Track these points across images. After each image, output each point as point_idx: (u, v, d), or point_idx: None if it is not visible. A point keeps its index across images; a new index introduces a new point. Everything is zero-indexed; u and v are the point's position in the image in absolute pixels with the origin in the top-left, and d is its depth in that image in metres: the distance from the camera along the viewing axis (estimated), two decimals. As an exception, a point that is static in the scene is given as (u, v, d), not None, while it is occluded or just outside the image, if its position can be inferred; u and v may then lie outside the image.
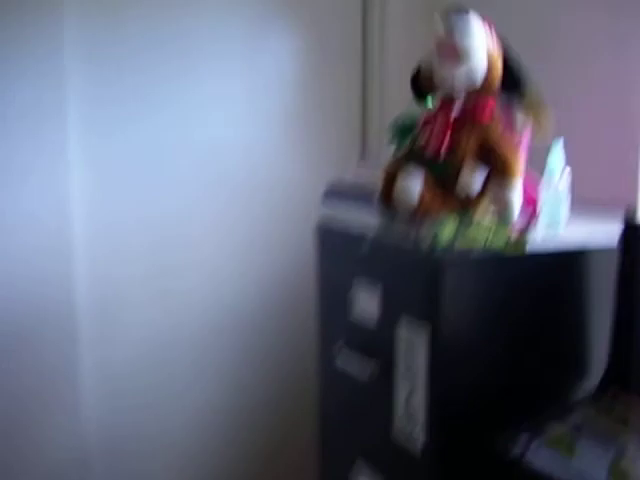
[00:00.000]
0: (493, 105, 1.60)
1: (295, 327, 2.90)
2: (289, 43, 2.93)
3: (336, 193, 1.99)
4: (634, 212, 2.12)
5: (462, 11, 1.55)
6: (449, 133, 1.57)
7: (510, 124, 1.62)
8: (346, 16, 3.03)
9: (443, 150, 1.55)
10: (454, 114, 1.59)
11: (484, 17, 1.61)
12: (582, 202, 2.13)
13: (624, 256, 1.56)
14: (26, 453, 2.46)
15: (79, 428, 2.57)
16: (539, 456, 1.41)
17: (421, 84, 1.65)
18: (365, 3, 3.05)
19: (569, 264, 1.65)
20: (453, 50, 1.53)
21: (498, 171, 1.52)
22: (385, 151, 1.80)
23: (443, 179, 1.54)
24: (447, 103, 1.62)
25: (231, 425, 2.90)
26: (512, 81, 1.59)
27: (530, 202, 1.70)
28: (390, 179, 1.59)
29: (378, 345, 1.76)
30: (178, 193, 2.74)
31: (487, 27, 1.60)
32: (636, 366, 1.55)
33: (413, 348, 1.60)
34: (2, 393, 2.40)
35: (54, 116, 2.49)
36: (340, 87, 3.04)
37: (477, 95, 1.59)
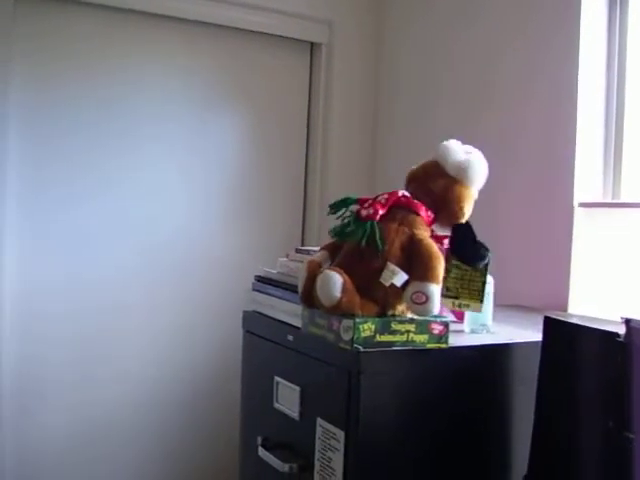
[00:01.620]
0: (432, 219, 1.61)
1: (224, 408, 2.85)
2: (233, 128, 2.97)
3: (266, 281, 1.96)
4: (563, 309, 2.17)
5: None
6: (387, 207, 1.57)
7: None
8: (291, 105, 3.09)
9: (378, 215, 1.55)
10: (400, 194, 1.60)
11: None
12: (511, 304, 2.18)
13: (546, 351, 1.56)
14: None
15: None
16: None
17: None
18: (310, 94, 3.12)
19: (492, 359, 1.64)
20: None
21: (422, 266, 1.51)
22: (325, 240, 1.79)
23: (371, 264, 1.52)
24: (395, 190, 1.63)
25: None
26: (471, 244, 1.61)
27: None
28: (314, 273, 1.57)
29: (298, 440, 1.72)
30: (111, 267, 2.72)
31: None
32: (554, 474, 1.52)
33: (331, 448, 1.56)
34: None
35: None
36: (282, 175, 3.08)
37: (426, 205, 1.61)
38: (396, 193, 1.61)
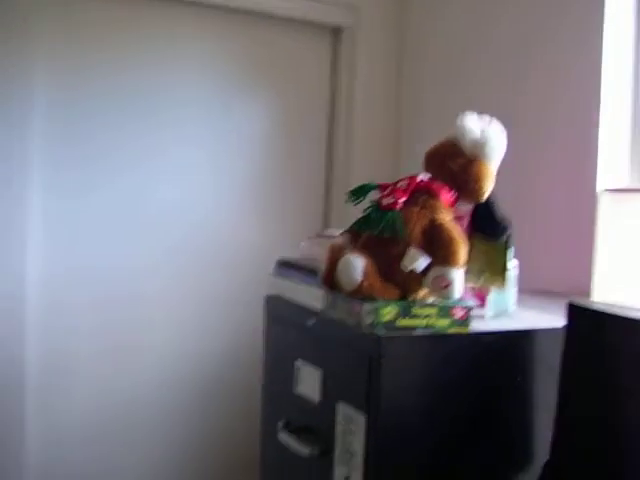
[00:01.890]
0: (454, 199, 1.61)
1: (245, 395, 2.85)
2: (256, 113, 2.96)
3: (287, 265, 1.96)
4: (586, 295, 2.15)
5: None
6: (408, 193, 1.57)
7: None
8: (314, 89, 3.08)
9: (399, 204, 1.54)
10: (420, 181, 1.59)
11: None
12: (535, 289, 2.15)
13: (570, 337, 1.54)
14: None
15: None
16: None
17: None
18: (333, 79, 3.10)
19: (514, 345, 1.63)
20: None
21: (443, 250, 1.50)
22: (340, 228, 1.79)
23: (391, 250, 1.52)
24: (415, 175, 1.63)
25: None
26: (492, 219, 1.61)
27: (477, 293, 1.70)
28: (335, 257, 1.57)
29: (319, 425, 1.72)
30: (136, 256, 2.73)
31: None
32: (577, 460, 1.51)
33: (351, 432, 1.56)
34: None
35: (16, 176, 2.47)
36: (306, 159, 3.07)
37: (447, 184, 1.60)
38: (416, 178, 1.60)
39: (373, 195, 1.62)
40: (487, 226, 1.61)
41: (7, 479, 2.48)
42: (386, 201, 1.56)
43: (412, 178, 1.61)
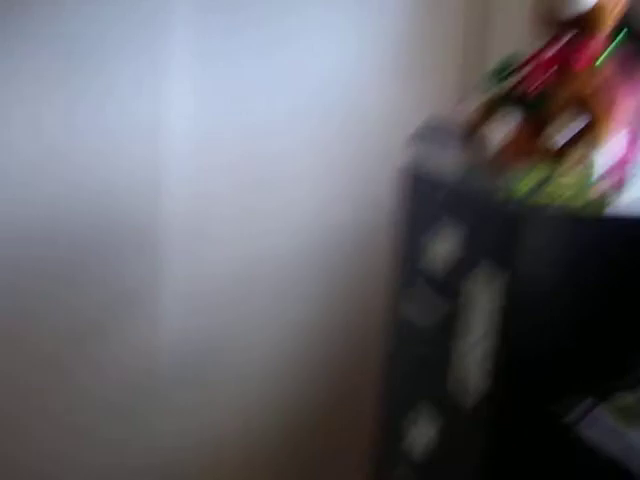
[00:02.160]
0: (595, 50, 1.52)
1: (373, 265, 2.87)
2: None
3: (426, 134, 1.95)
4: None
5: None
6: (546, 73, 1.52)
7: (628, 75, 1.53)
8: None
9: (536, 88, 1.50)
10: (553, 53, 1.54)
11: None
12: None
13: None
14: (100, 356, 2.56)
15: (156, 339, 2.65)
16: (594, 425, 1.38)
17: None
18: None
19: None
20: None
21: (587, 126, 1.45)
22: (482, 94, 1.73)
23: (532, 122, 1.49)
24: (551, 44, 1.56)
25: (302, 357, 2.94)
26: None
27: (624, 163, 1.62)
28: (478, 123, 1.55)
29: (450, 290, 1.74)
30: (275, 120, 2.74)
31: None
32: None
33: (485, 295, 1.56)
34: (85, 298, 2.50)
35: (161, 26, 2.50)
36: (447, 23, 2.94)
37: (582, 35, 1.53)
38: (547, 53, 1.52)
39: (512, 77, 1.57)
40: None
41: (142, 349, 2.65)
42: (526, 85, 1.51)
43: (544, 53, 1.53)
